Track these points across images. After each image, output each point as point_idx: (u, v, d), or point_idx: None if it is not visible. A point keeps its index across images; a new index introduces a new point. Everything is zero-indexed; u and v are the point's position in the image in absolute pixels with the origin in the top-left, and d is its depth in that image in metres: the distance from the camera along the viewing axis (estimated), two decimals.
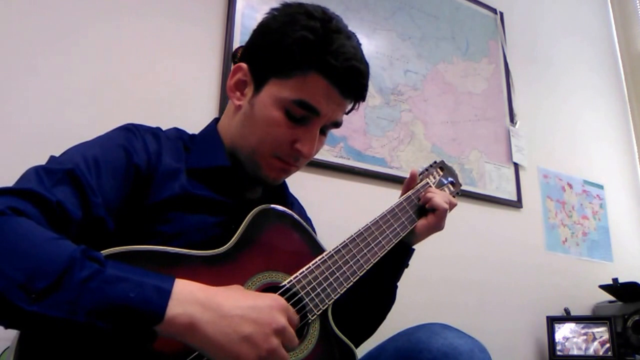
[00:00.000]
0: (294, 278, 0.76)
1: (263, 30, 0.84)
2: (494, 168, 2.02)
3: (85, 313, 0.53)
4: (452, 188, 1.11)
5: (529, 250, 2.04)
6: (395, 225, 0.93)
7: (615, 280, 1.93)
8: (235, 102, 0.86)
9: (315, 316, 0.76)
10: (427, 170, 1.10)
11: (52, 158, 0.71)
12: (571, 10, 2.70)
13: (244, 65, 0.85)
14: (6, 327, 0.54)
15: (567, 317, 1.93)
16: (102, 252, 0.60)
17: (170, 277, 0.59)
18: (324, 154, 1.60)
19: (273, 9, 0.84)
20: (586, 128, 2.50)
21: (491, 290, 1.87)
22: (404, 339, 0.82)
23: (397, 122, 1.81)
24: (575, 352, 1.83)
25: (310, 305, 0.76)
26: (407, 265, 1.01)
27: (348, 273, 0.82)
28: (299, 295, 0.75)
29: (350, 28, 0.84)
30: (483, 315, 1.81)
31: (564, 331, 1.87)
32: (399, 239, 0.93)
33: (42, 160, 0.70)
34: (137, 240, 0.67)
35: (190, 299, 0.58)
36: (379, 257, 0.88)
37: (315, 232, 0.92)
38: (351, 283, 0.82)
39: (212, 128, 0.91)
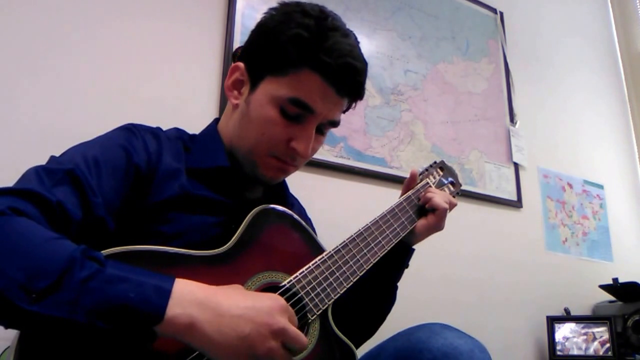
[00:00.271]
0: (294, 278, 0.76)
1: (259, 30, 0.84)
2: (494, 168, 2.02)
3: (86, 313, 0.53)
4: (452, 188, 1.11)
5: (529, 250, 2.04)
6: (395, 225, 0.93)
7: (615, 280, 1.93)
8: (232, 102, 0.86)
9: (315, 316, 0.76)
10: (427, 170, 1.09)
11: (52, 158, 0.71)
12: (571, 10, 2.70)
13: (241, 64, 0.85)
14: (6, 327, 0.54)
15: (567, 317, 1.93)
16: (102, 252, 0.60)
17: (170, 277, 0.59)
18: (324, 154, 1.60)
19: (271, 9, 0.84)
20: (586, 128, 2.51)
21: (491, 290, 1.87)
22: (404, 338, 0.82)
23: (397, 122, 1.81)
24: (575, 352, 1.83)
25: (310, 305, 0.76)
26: (407, 266, 1.01)
27: (348, 273, 0.82)
28: (299, 295, 0.75)
29: (350, 28, 0.84)
30: (483, 315, 1.81)
31: (564, 331, 1.87)
32: (399, 239, 0.93)
33: (42, 160, 0.70)
34: (137, 241, 0.67)
35: (190, 298, 0.58)
36: (378, 257, 0.88)
37: (315, 233, 0.92)
38: (351, 283, 0.82)
39: (212, 128, 0.91)
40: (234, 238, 0.75)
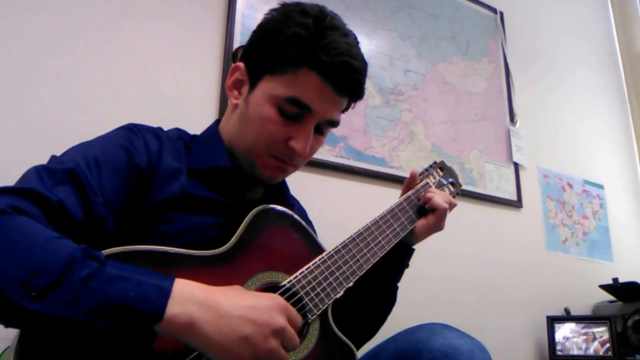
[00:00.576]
0: (294, 278, 0.76)
1: (259, 30, 0.84)
2: (494, 168, 2.02)
3: (85, 312, 0.53)
4: (452, 188, 1.11)
5: (529, 250, 2.04)
6: (395, 225, 0.93)
7: (615, 280, 1.93)
8: (232, 101, 0.86)
9: (315, 316, 0.76)
10: (427, 170, 1.09)
11: (53, 157, 0.72)
12: (571, 10, 2.70)
13: (241, 64, 0.85)
14: (6, 326, 0.54)
15: (567, 317, 1.93)
16: (102, 251, 0.60)
17: (170, 276, 0.59)
18: (324, 153, 1.60)
19: (272, 9, 0.84)
20: (586, 128, 2.51)
21: (491, 290, 1.87)
22: (403, 338, 0.82)
23: (397, 121, 1.81)
24: (575, 352, 1.83)
25: (310, 305, 0.76)
26: (407, 266, 1.01)
27: (348, 273, 0.82)
28: (299, 295, 0.75)
29: (350, 28, 0.84)
30: (483, 314, 1.81)
31: (564, 331, 1.87)
32: (399, 239, 0.93)
33: (43, 160, 0.70)
34: (137, 240, 0.67)
35: (189, 298, 0.58)
36: (378, 257, 0.88)
37: (315, 233, 0.92)
38: (351, 283, 0.82)
39: (213, 129, 0.91)
40: (233, 238, 0.75)
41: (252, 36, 0.86)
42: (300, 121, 0.80)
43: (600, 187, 2.44)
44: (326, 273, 0.79)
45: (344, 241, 0.85)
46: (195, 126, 0.94)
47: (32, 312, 0.52)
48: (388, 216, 0.94)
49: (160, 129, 0.86)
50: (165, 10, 1.46)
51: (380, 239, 0.89)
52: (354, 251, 0.85)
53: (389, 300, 1.00)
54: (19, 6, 1.25)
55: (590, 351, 1.81)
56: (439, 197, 0.98)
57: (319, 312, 0.77)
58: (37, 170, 0.66)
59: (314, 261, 0.79)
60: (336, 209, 1.53)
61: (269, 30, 0.81)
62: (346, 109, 0.88)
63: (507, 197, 2.03)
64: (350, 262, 0.83)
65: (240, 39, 1.53)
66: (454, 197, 1.07)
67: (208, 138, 0.89)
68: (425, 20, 2.02)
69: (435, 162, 1.13)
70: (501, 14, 2.29)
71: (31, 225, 0.58)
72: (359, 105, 0.90)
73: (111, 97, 1.32)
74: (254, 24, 0.87)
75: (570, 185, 2.31)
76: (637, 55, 2.80)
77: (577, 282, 2.12)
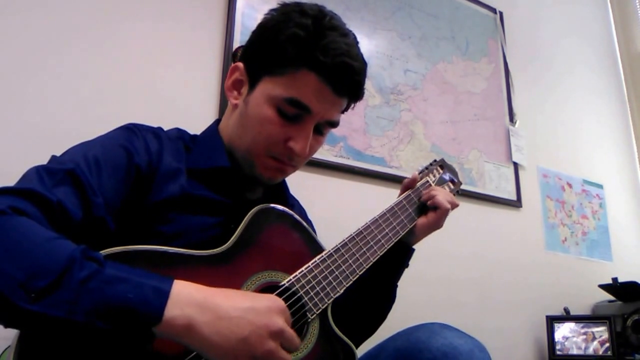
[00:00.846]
0: (293, 277, 0.76)
1: (259, 30, 0.84)
2: (493, 167, 2.02)
3: (85, 313, 0.53)
4: (452, 186, 1.11)
5: (528, 249, 2.04)
6: (395, 224, 0.93)
7: (614, 279, 1.93)
8: (232, 102, 0.86)
9: (314, 315, 0.76)
10: (427, 168, 1.10)
11: (53, 158, 0.72)
12: (571, 10, 2.70)
13: (240, 64, 0.85)
14: (5, 326, 0.54)
15: (566, 317, 1.93)
16: (102, 252, 0.60)
17: (169, 278, 0.59)
18: (324, 153, 1.60)
19: (272, 10, 0.84)
20: (586, 127, 2.51)
21: (491, 290, 1.87)
22: (403, 338, 0.82)
23: (396, 121, 1.81)
24: (574, 351, 1.83)
25: (310, 304, 0.76)
26: (407, 266, 1.01)
27: (347, 272, 0.82)
28: (298, 295, 0.75)
29: (350, 28, 0.84)
30: (483, 314, 1.81)
31: (563, 331, 1.87)
32: (399, 237, 0.93)
33: (43, 160, 0.70)
34: (137, 240, 0.67)
35: (188, 300, 0.58)
36: (378, 256, 0.88)
37: (315, 233, 0.92)
38: (351, 282, 0.82)
39: (213, 129, 0.91)
40: (233, 238, 0.75)
41: (252, 36, 0.86)
42: (300, 122, 0.80)
43: (600, 186, 2.44)
44: (326, 272, 0.79)
45: (344, 240, 0.85)
46: (195, 126, 0.94)
47: (32, 312, 0.52)
48: (388, 215, 0.94)
49: (160, 129, 0.86)
50: (165, 10, 1.46)
51: (380, 237, 0.89)
52: (353, 250, 0.85)
53: (388, 299, 1.00)
54: (19, 6, 1.25)
55: (590, 351, 1.81)
56: (442, 196, 0.98)
57: (319, 311, 0.77)
58: (37, 171, 0.66)
59: (313, 260, 0.79)
60: (336, 209, 1.53)
61: (268, 30, 0.81)
62: (346, 110, 0.88)
63: (506, 197, 2.03)
64: (350, 261, 0.83)
65: (240, 39, 1.53)
66: (454, 194, 1.07)
67: (208, 138, 0.89)
68: (425, 20, 2.02)
69: (435, 160, 1.13)
70: (501, 14, 2.29)
71: (31, 225, 0.58)
72: (359, 105, 0.90)
73: (111, 96, 1.32)
74: (254, 24, 0.87)
75: (570, 185, 2.31)
76: (637, 55, 2.80)
77: (577, 282, 2.12)
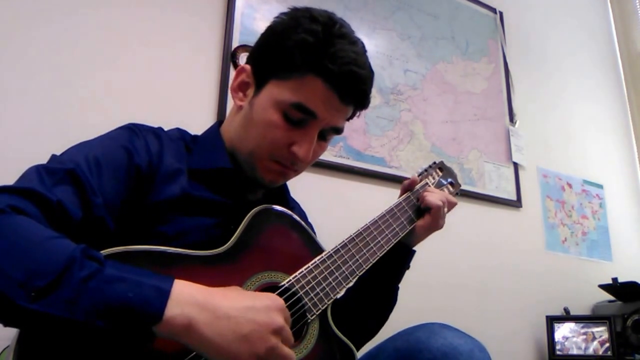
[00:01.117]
0: (293, 278, 0.76)
1: (267, 33, 0.84)
2: (493, 168, 2.02)
3: (85, 312, 0.53)
4: (451, 188, 1.11)
5: (528, 249, 2.04)
6: (395, 226, 0.93)
7: (614, 279, 1.93)
8: (237, 103, 0.86)
9: (314, 316, 0.76)
10: (426, 170, 1.09)
11: (53, 157, 0.71)
12: (571, 10, 2.70)
13: (247, 67, 0.85)
14: (5, 325, 0.54)
15: (566, 317, 1.93)
16: (102, 252, 0.60)
17: (170, 277, 0.59)
18: (324, 153, 1.59)
19: (282, 13, 0.84)
20: (586, 127, 2.51)
21: (491, 290, 1.87)
22: (403, 338, 0.82)
23: (396, 121, 1.81)
24: (574, 351, 1.83)
25: (309, 304, 0.76)
26: (408, 267, 1.01)
27: (347, 273, 0.82)
28: (298, 295, 0.75)
29: (350, 26, 0.84)
30: (482, 314, 1.81)
31: (563, 331, 1.87)
32: (398, 239, 0.93)
33: (43, 160, 0.70)
34: (137, 241, 0.67)
35: (188, 299, 0.58)
36: (378, 257, 0.88)
37: (315, 234, 0.92)
38: (350, 283, 0.82)
39: (214, 130, 0.90)
40: (233, 238, 0.75)
41: (260, 39, 0.85)
42: (304, 127, 0.80)
43: (600, 186, 2.44)
44: (325, 273, 0.80)
45: (343, 241, 0.85)
46: (195, 126, 0.94)
47: (32, 312, 0.52)
48: (387, 216, 0.94)
49: (160, 129, 0.86)
50: (165, 10, 1.46)
51: (379, 239, 0.89)
52: (353, 251, 0.85)
53: (389, 301, 1.00)
54: (19, 6, 1.25)
55: (590, 351, 1.81)
56: (434, 196, 0.98)
57: (319, 312, 0.77)
58: (37, 170, 0.66)
59: (313, 261, 0.79)
60: (336, 209, 1.53)
61: (277, 34, 0.81)
62: (351, 117, 0.88)
63: (506, 197, 2.03)
64: (350, 262, 0.83)
65: (239, 38, 1.53)
66: (453, 196, 1.07)
67: (209, 139, 0.89)
68: (424, 20, 2.02)
69: (434, 163, 1.13)
70: (501, 14, 2.29)
71: (30, 225, 0.58)
72: None
73: (111, 96, 1.32)
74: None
75: (570, 185, 2.31)
76: (637, 55, 2.80)
77: (577, 282, 2.12)
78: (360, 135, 1.71)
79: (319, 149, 0.85)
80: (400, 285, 1.01)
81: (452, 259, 1.79)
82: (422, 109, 1.90)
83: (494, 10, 2.28)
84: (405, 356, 0.78)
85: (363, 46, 0.83)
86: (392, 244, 0.91)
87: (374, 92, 1.78)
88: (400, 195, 1.02)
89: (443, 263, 1.76)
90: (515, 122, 2.17)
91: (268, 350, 0.60)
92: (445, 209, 0.99)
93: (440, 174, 1.11)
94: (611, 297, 2.01)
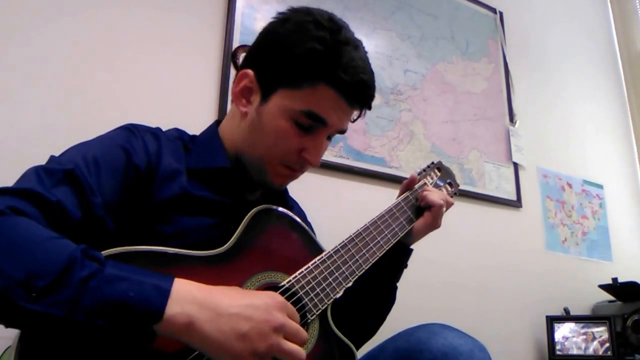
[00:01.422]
0: (293, 278, 0.76)
1: (271, 38, 0.83)
2: (493, 168, 2.02)
3: (85, 312, 0.53)
4: (449, 189, 1.11)
5: (528, 250, 2.04)
6: (394, 226, 0.94)
7: (614, 279, 1.93)
8: (241, 109, 0.85)
9: (314, 316, 0.76)
10: (424, 170, 1.10)
11: (52, 158, 0.72)
12: (571, 10, 2.70)
13: (250, 72, 0.83)
14: (6, 326, 0.54)
15: (566, 317, 1.93)
16: (102, 252, 0.60)
17: (170, 276, 0.60)
18: (324, 153, 1.59)
19: (280, 14, 0.83)
20: (586, 127, 2.51)
21: (491, 290, 1.87)
22: (403, 339, 0.82)
23: (396, 121, 1.81)
24: (574, 351, 1.83)
25: (310, 305, 0.76)
26: (406, 266, 1.01)
27: (347, 273, 0.82)
28: (298, 295, 0.75)
29: (349, 28, 0.84)
30: (482, 314, 1.81)
31: (563, 331, 1.87)
32: (397, 239, 0.93)
33: (42, 160, 0.70)
34: (137, 241, 0.67)
35: (188, 298, 0.58)
36: (377, 257, 0.88)
37: (314, 234, 0.92)
38: (350, 283, 0.82)
39: (213, 130, 0.90)
40: (233, 238, 0.75)
41: (262, 43, 0.84)
42: (314, 132, 0.81)
43: (600, 187, 2.44)
44: (325, 273, 0.80)
45: (343, 241, 0.85)
46: (195, 126, 0.94)
47: (33, 312, 0.52)
48: (386, 216, 0.94)
49: (159, 129, 0.86)
50: (165, 10, 1.46)
51: (379, 239, 0.90)
52: (352, 251, 0.85)
53: (388, 300, 1.00)
54: (19, 7, 1.25)
55: (590, 351, 1.81)
56: (434, 195, 0.99)
57: (319, 312, 0.77)
58: (36, 171, 0.66)
59: (313, 261, 0.79)
60: (335, 209, 1.53)
61: (283, 41, 0.80)
62: (356, 119, 0.90)
63: (506, 197, 2.03)
64: (349, 262, 0.83)
65: (240, 38, 1.53)
66: (451, 196, 1.07)
67: (207, 139, 0.89)
68: (424, 20, 2.02)
69: (432, 163, 1.13)
70: (501, 14, 2.29)
71: (30, 225, 0.58)
72: None
73: (111, 96, 1.32)
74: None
75: (570, 185, 2.32)
76: (637, 55, 2.80)
77: (577, 282, 2.12)
78: (360, 136, 1.71)
79: (324, 148, 0.87)
80: (400, 285, 1.01)
81: (452, 259, 1.79)
82: (422, 109, 1.90)
83: (494, 10, 2.28)
84: (406, 356, 0.79)
85: (364, 47, 0.85)
86: (392, 244, 0.92)
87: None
88: (400, 195, 1.02)
89: (443, 263, 1.76)
90: (515, 122, 2.17)
91: (268, 347, 0.61)
92: (444, 209, 1.00)
93: (439, 174, 1.12)
94: (611, 297, 2.01)
